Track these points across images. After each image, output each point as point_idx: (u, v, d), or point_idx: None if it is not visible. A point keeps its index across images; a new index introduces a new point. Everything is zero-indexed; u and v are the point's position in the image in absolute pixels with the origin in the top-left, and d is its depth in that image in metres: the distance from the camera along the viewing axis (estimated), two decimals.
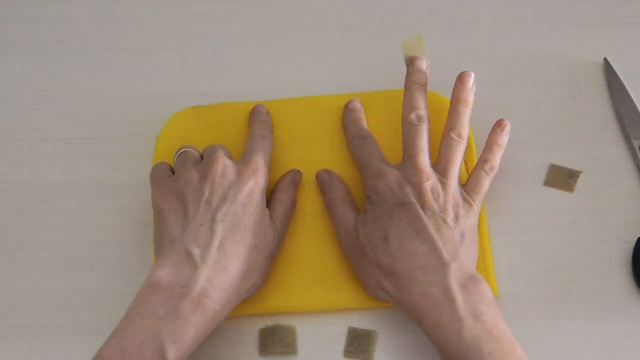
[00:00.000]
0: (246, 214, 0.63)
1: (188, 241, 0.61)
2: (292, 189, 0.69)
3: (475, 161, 0.71)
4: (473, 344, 0.57)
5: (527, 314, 0.66)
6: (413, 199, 0.63)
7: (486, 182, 0.66)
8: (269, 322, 0.66)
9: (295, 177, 0.70)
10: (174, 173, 0.67)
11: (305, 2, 0.79)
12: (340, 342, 0.66)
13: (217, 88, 0.75)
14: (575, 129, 0.73)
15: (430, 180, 0.64)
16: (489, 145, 0.67)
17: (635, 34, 0.77)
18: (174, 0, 0.80)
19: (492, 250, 0.68)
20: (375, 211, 0.64)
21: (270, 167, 0.69)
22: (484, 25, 0.78)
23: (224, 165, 0.64)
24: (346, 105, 0.72)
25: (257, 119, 0.71)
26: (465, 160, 0.71)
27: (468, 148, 0.71)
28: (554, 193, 0.71)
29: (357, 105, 0.72)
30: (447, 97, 0.74)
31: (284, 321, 0.66)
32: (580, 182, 0.71)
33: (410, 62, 0.69)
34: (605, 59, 0.75)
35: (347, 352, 0.65)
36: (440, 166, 0.65)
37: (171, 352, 0.57)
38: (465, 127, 0.66)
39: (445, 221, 0.62)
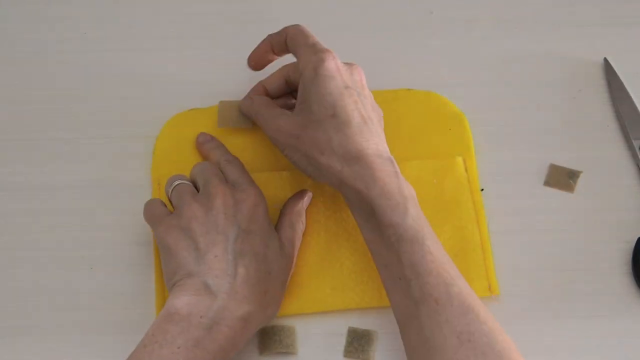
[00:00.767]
0: (256, 240, 0.63)
1: (205, 273, 0.60)
2: (302, 211, 0.68)
3: (474, 161, 0.71)
4: (417, 219, 0.60)
5: (527, 314, 0.66)
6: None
7: None
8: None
9: (306, 198, 0.69)
10: (165, 205, 0.66)
11: (305, 2, 0.79)
12: (340, 342, 0.66)
13: (217, 88, 0.74)
14: (575, 129, 0.73)
15: None
16: None
17: (635, 34, 0.77)
18: (174, 0, 0.80)
19: (492, 250, 0.68)
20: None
21: (275, 167, 0.70)
22: (484, 25, 0.78)
23: (224, 194, 0.64)
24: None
25: (210, 148, 0.71)
26: (464, 159, 0.71)
27: (466, 146, 0.72)
28: (554, 193, 0.71)
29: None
30: (447, 97, 0.74)
31: (284, 321, 0.66)
32: (580, 182, 0.71)
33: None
34: (605, 59, 0.75)
35: (347, 352, 0.65)
36: None
37: None
38: None
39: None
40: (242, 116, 0.72)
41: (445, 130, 0.72)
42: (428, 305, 0.58)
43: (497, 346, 0.56)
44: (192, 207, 0.63)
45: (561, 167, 0.71)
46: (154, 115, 0.74)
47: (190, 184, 0.66)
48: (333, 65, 0.63)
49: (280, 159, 0.70)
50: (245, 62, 0.71)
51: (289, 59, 0.69)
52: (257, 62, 0.71)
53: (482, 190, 0.70)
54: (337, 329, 0.66)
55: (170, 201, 0.66)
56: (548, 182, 0.71)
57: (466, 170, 0.70)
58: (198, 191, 0.65)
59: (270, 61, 0.70)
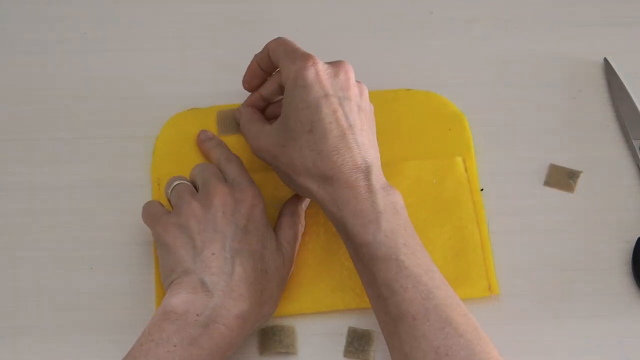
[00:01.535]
0: (253, 239, 0.63)
1: (201, 271, 0.60)
2: (302, 212, 0.68)
3: (474, 161, 0.71)
4: (389, 235, 0.59)
5: (527, 314, 0.66)
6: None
7: None
8: (268, 322, 0.66)
9: (305, 200, 0.69)
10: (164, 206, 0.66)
11: (305, 2, 0.79)
12: (340, 342, 0.66)
13: (217, 88, 0.74)
14: (575, 129, 0.73)
15: None
16: None
17: (635, 34, 0.77)
18: (174, 0, 0.80)
19: (492, 250, 0.68)
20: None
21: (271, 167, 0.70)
22: (484, 25, 0.78)
23: (223, 193, 0.64)
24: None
25: (210, 147, 0.71)
26: (464, 159, 0.71)
27: (466, 146, 0.72)
28: (554, 193, 0.71)
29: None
30: (446, 97, 0.74)
31: (284, 321, 0.66)
32: (580, 182, 0.71)
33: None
34: (605, 59, 0.75)
35: (347, 352, 0.65)
36: None
37: None
38: None
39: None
40: None
41: (445, 130, 0.72)
42: (405, 321, 0.57)
43: (474, 358, 0.56)
44: (191, 205, 0.63)
45: (561, 167, 0.71)
46: (154, 115, 0.74)
47: (190, 184, 0.66)
48: (311, 73, 0.62)
49: None
50: (245, 62, 0.71)
51: None
52: (249, 82, 0.70)
53: (482, 190, 0.70)
54: (337, 329, 0.66)
55: (170, 202, 0.66)
56: (548, 182, 0.71)
57: (466, 170, 0.70)
58: (198, 191, 0.65)
59: (263, 79, 0.70)
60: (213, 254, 0.61)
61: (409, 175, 0.69)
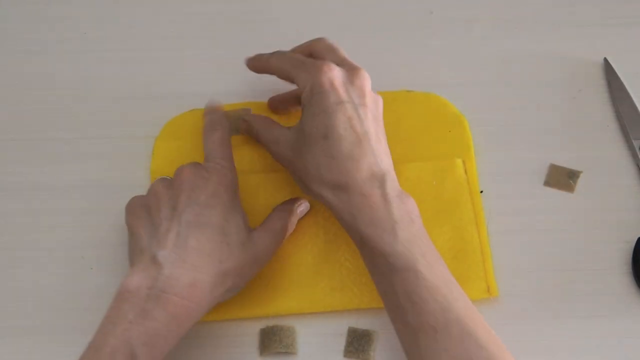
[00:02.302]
0: (213, 213, 0.62)
1: (155, 247, 0.60)
2: (286, 217, 0.67)
3: (474, 163, 0.71)
4: (407, 245, 0.59)
5: (527, 314, 0.66)
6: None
7: None
8: (269, 322, 0.66)
9: (298, 207, 0.68)
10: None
11: (305, 2, 0.79)
12: (340, 342, 0.66)
13: (217, 88, 0.74)
14: (575, 129, 0.73)
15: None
16: None
17: (635, 34, 0.77)
18: (174, 0, 0.80)
19: (492, 250, 0.68)
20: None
21: (273, 168, 0.70)
22: (484, 25, 0.78)
23: (188, 172, 0.64)
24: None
25: (205, 118, 0.70)
26: (464, 161, 0.71)
27: (466, 148, 0.72)
28: (554, 193, 0.71)
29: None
30: (446, 97, 0.74)
31: (284, 321, 0.66)
32: (580, 182, 0.71)
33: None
34: (605, 59, 0.75)
35: (347, 352, 0.65)
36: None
37: (142, 354, 0.57)
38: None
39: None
40: None
41: (445, 132, 0.72)
42: (426, 333, 0.57)
43: None
44: (156, 186, 0.64)
45: (561, 167, 0.71)
46: (154, 115, 0.74)
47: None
48: (326, 80, 0.62)
49: None
50: (245, 62, 0.71)
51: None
52: (275, 105, 0.73)
53: (482, 192, 0.70)
54: (337, 329, 0.66)
55: None
56: (548, 182, 0.71)
57: (466, 172, 0.70)
58: None
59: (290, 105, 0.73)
60: (168, 229, 0.61)
61: (409, 177, 0.69)
